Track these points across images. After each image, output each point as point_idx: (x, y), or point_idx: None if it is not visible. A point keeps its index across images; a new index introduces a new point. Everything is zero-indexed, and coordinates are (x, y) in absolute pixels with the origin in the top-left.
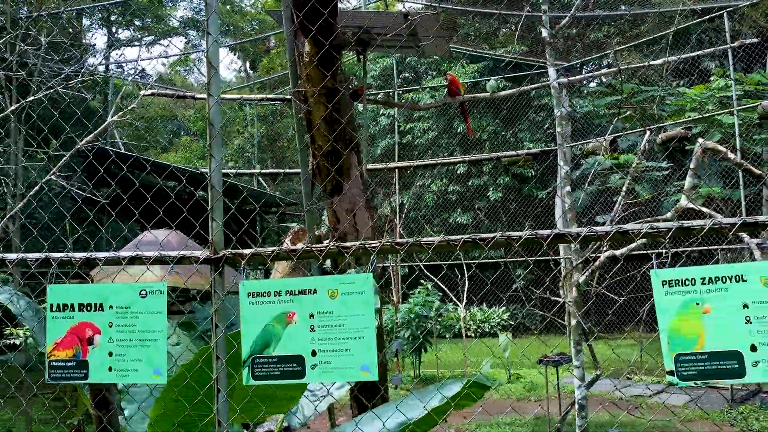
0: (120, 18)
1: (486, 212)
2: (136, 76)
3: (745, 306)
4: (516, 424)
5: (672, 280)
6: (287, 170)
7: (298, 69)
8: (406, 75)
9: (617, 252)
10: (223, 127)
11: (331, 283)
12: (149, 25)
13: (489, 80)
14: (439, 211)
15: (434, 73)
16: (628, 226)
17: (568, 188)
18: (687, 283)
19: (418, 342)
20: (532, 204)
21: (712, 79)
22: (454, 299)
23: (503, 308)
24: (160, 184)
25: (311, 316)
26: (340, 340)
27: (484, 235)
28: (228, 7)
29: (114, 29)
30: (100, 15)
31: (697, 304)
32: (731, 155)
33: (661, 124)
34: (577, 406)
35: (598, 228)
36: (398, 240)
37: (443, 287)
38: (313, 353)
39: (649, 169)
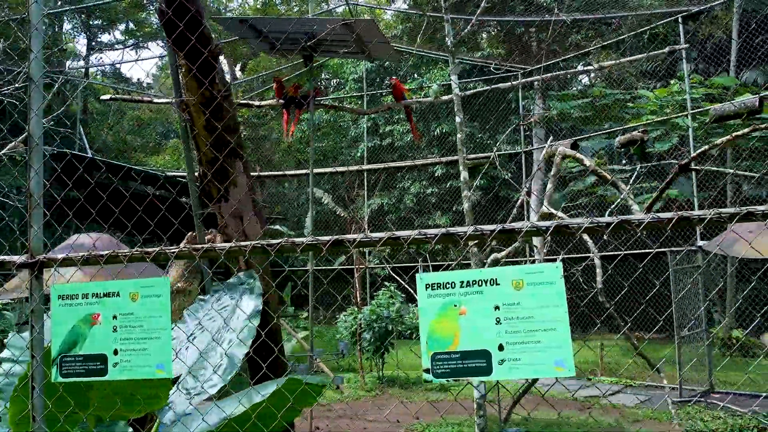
0: (100, 22)
1: (462, 216)
2: (106, 79)
3: (497, 308)
4: (465, 424)
5: (434, 284)
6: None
7: (180, 78)
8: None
9: (499, 255)
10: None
11: (132, 287)
12: (131, 29)
13: (431, 86)
14: (419, 214)
15: (413, 77)
16: (542, 224)
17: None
18: (447, 286)
19: (379, 344)
20: (507, 206)
21: (672, 82)
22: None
23: None
24: (115, 184)
25: (114, 317)
26: (140, 340)
27: (427, 231)
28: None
29: (94, 33)
30: (77, 20)
31: (455, 306)
32: (587, 162)
33: (620, 128)
34: (475, 406)
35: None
36: (296, 240)
37: (409, 288)
38: (115, 352)
39: (613, 171)
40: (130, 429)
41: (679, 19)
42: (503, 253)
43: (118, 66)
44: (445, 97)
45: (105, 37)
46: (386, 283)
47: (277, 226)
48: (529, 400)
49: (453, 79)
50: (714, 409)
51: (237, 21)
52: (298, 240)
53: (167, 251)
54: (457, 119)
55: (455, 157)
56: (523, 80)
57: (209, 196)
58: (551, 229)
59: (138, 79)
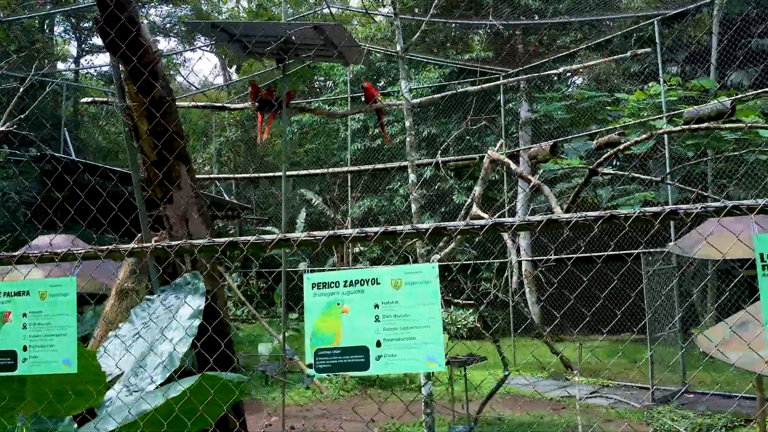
0: (89, 25)
1: (450, 217)
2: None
3: (377, 306)
4: (438, 423)
5: (320, 283)
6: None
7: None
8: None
9: (442, 253)
10: (200, 131)
11: (41, 286)
12: None
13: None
14: (410, 215)
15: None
16: (508, 220)
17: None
18: (332, 285)
19: None
20: (493, 207)
21: (649, 85)
22: None
23: (470, 311)
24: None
25: (24, 315)
26: (47, 337)
27: (396, 227)
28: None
29: (85, 36)
30: (67, 23)
31: (338, 304)
32: (513, 166)
33: (601, 129)
34: (423, 404)
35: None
36: (265, 238)
37: None
38: (24, 348)
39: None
40: (75, 425)
41: (656, 23)
42: (443, 253)
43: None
44: (414, 101)
45: (98, 40)
46: None
47: (269, 227)
48: (507, 400)
49: (402, 84)
50: (684, 409)
51: (209, 25)
52: (267, 237)
53: (120, 249)
54: (407, 123)
55: (431, 160)
56: (504, 81)
57: (155, 199)
58: (486, 227)
59: None
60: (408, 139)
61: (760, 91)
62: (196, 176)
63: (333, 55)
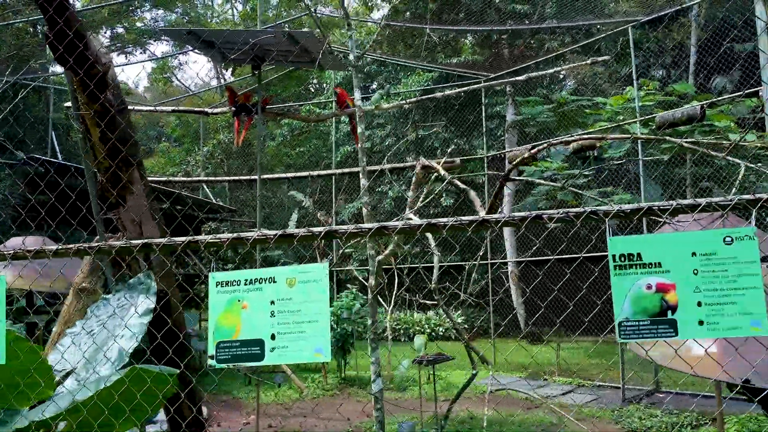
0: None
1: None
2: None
3: (273, 302)
4: (408, 420)
5: (224, 282)
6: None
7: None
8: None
9: (385, 253)
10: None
11: None
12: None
13: (373, 94)
14: (394, 217)
15: (389, 82)
16: (443, 220)
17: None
18: (234, 283)
19: (341, 344)
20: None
21: (626, 89)
22: (382, 303)
23: (458, 312)
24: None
25: None
26: None
27: (388, 223)
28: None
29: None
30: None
31: (239, 301)
32: (442, 172)
33: (582, 132)
34: (373, 400)
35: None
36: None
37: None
38: None
39: (571, 176)
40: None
41: (629, 29)
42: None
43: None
44: (386, 105)
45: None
46: (348, 285)
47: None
48: (481, 399)
49: (356, 94)
50: (653, 408)
51: (184, 33)
52: (246, 235)
53: (86, 247)
54: (359, 129)
55: (379, 167)
56: (485, 85)
57: (108, 203)
58: (423, 226)
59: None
60: (359, 145)
61: (732, 95)
62: (184, 179)
63: (309, 62)
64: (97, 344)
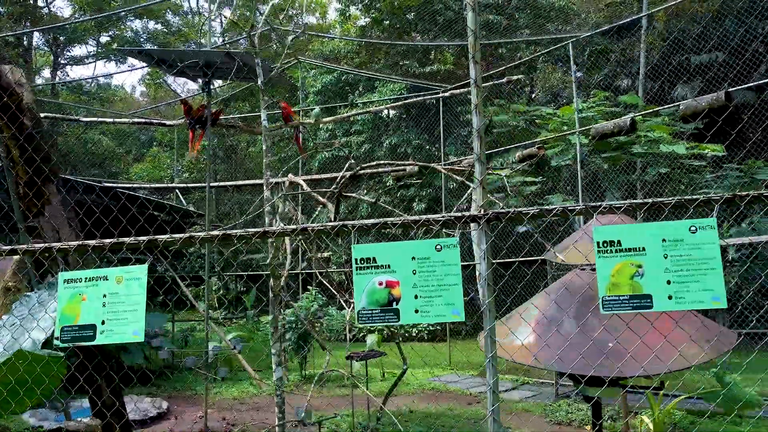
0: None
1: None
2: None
3: (105, 296)
4: (356, 414)
5: (69, 279)
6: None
7: None
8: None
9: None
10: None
11: None
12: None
13: (314, 108)
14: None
15: (362, 91)
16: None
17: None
18: (77, 281)
19: (300, 343)
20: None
21: (573, 100)
22: (342, 303)
23: None
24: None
25: None
26: None
27: (355, 221)
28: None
29: (61, 49)
30: (44, 39)
31: (80, 294)
32: (306, 188)
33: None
34: (275, 387)
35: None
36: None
37: (333, 291)
38: None
39: (523, 183)
40: None
41: (569, 44)
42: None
43: (87, 81)
44: (326, 119)
45: (78, 51)
46: (309, 287)
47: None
48: (429, 395)
49: (262, 114)
50: (580, 402)
51: (136, 52)
52: (142, 238)
53: (17, 248)
54: (264, 146)
55: (283, 179)
56: (443, 95)
57: (29, 212)
58: (337, 227)
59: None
60: (265, 160)
61: (657, 108)
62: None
63: (253, 77)
64: (15, 337)
